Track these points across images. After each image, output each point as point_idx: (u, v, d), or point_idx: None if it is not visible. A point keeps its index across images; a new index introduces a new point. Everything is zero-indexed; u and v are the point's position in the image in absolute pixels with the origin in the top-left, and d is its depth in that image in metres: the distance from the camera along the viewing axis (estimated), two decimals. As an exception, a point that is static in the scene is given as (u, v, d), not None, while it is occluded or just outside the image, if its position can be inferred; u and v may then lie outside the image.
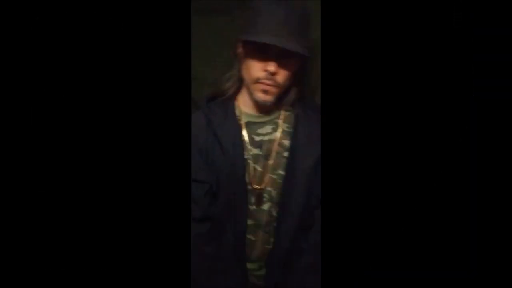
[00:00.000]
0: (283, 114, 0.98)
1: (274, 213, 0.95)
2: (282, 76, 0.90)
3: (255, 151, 0.95)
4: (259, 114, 0.97)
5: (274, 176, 0.95)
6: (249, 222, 0.95)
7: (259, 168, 0.95)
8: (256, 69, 0.90)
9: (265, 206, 0.95)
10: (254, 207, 0.95)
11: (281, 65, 0.88)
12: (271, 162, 0.95)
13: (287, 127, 0.98)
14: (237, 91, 0.99)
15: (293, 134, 0.96)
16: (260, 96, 0.91)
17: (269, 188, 0.95)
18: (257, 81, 0.90)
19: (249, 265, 0.97)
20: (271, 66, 0.87)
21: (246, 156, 0.95)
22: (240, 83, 0.97)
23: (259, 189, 0.95)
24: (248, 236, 0.95)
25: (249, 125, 0.97)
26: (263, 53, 0.88)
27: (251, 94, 0.94)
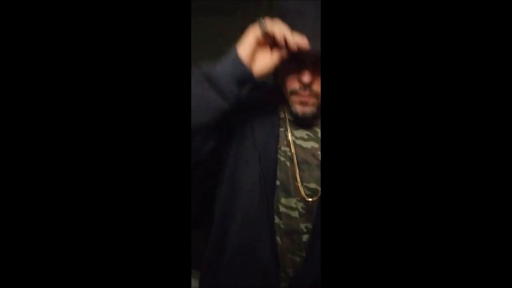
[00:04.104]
0: None
1: (303, 226, 0.88)
2: (319, 84, 0.81)
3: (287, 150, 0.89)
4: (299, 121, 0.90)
5: (305, 189, 0.88)
6: (277, 222, 0.89)
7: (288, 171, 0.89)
8: (290, 80, 0.83)
9: (295, 213, 0.88)
10: (283, 209, 0.89)
11: (317, 72, 0.80)
12: (301, 172, 0.88)
13: None
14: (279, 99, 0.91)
15: None
16: (299, 109, 0.84)
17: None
18: (293, 93, 0.84)
19: None
20: (305, 77, 0.80)
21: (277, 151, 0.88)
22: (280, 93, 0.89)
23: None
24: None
25: (286, 122, 0.90)
26: (296, 61, 0.80)
27: (290, 107, 0.87)
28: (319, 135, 0.89)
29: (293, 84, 0.82)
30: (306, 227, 0.88)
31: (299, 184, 0.87)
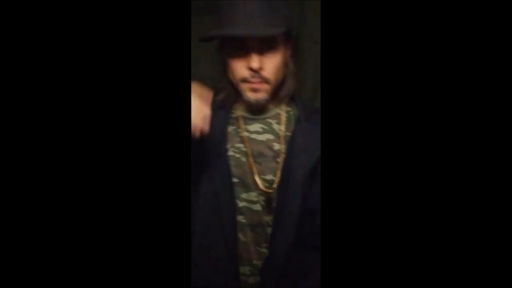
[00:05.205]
0: (282, 116, 0.91)
1: (267, 219, 0.89)
2: (269, 70, 0.83)
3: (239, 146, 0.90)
4: (253, 115, 0.91)
5: (263, 181, 0.89)
6: (239, 218, 0.89)
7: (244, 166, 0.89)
8: (239, 68, 0.84)
9: (257, 207, 0.90)
10: (244, 203, 0.89)
11: (265, 58, 0.82)
12: (258, 165, 0.89)
13: (282, 130, 0.91)
14: (235, 97, 0.92)
15: (290, 140, 0.89)
16: (251, 95, 0.85)
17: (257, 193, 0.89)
18: (243, 80, 0.84)
19: (241, 269, 0.90)
20: (254, 62, 0.81)
21: (230, 148, 0.89)
22: (233, 87, 0.90)
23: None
24: (239, 234, 0.89)
25: (239, 119, 0.91)
26: (242, 49, 0.82)
27: (241, 96, 0.87)
28: (274, 126, 0.91)
29: (242, 72, 0.83)
30: (270, 220, 0.89)
31: (257, 177, 0.88)
